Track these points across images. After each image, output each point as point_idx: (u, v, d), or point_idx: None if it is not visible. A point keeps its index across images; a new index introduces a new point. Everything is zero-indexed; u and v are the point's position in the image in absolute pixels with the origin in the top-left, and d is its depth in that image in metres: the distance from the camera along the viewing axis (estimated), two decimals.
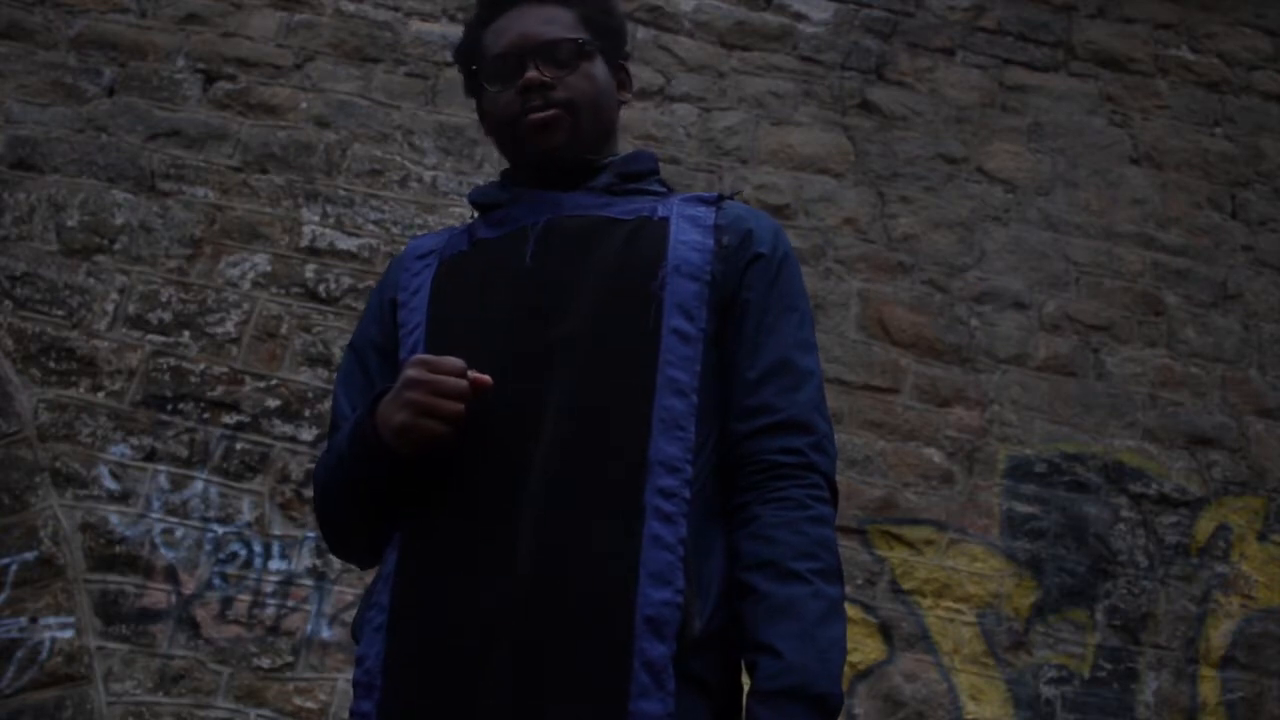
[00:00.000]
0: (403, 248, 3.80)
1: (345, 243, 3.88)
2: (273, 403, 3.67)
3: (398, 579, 1.42)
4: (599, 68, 1.63)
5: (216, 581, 3.47)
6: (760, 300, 1.51)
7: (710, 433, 1.45)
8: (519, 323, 1.47)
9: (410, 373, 1.39)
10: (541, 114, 1.56)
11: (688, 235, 1.51)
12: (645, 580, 1.33)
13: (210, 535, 3.51)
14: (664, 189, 1.64)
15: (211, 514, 3.54)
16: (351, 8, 4.20)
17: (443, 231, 1.69)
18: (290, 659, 3.42)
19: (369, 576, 1.62)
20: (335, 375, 3.69)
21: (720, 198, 1.59)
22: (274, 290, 3.80)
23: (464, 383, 1.38)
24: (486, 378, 1.38)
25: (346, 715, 1.46)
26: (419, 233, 3.86)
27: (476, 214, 1.67)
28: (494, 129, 1.64)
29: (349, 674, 1.49)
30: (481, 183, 1.80)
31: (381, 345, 1.60)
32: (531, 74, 1.56)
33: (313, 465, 3.59)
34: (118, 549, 3.45)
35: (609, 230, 1.52)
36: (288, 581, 3.48)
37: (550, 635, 1.32)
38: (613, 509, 1.37)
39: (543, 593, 1.34)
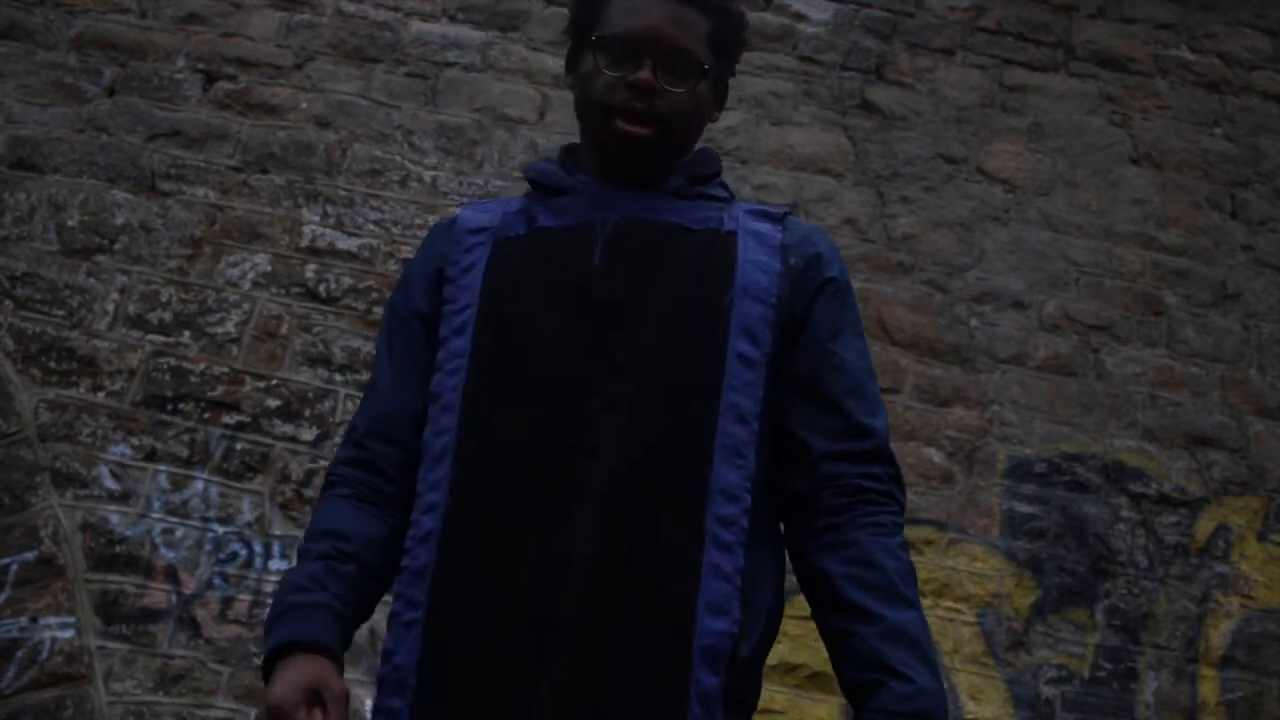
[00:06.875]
0: (404, 247, 3.82)
1: (345, 243, 3.88)
2: (273, 403, 3.67)
3: (438, 578, 1.38)
4: (706, 90, 1.58)
5: (217, 581, 3.47)
6: (835, 323, 1.51)
7: (763, 459, 1.43)
8: (583, 327, 1.44)
9: None
10: (635, 128, 1.50)
11: (755, 255, 1.49)
12: (704, 610, 1.32)
13: (210, 535, 3.51)
14: (727, 193, 1.61)
15: (212, 514, 3.53)
16: (351, 8, 4.19)
17: (492, 205, 1.62)
18: None
19: None
20: (335, 373, 3.70)
21: (785, 214, 1.56)
22: (274, 290, 3.79)
23: None
24: None
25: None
26: (420, 233, 3.85)
27: (531, 190, 1.61)
28: (583, 102, 1.58)
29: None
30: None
31: (428, 316, 1.53)
32: (645, 75, 1.50)
33: (313, 465, 3.60)
34: (118, 549, 3.45)
35: (679, 240, 1.49)
36: None
37: (605, 657, 1.31)
38: (673, 536, 1.35)
39: (598, 613, 1.32)
